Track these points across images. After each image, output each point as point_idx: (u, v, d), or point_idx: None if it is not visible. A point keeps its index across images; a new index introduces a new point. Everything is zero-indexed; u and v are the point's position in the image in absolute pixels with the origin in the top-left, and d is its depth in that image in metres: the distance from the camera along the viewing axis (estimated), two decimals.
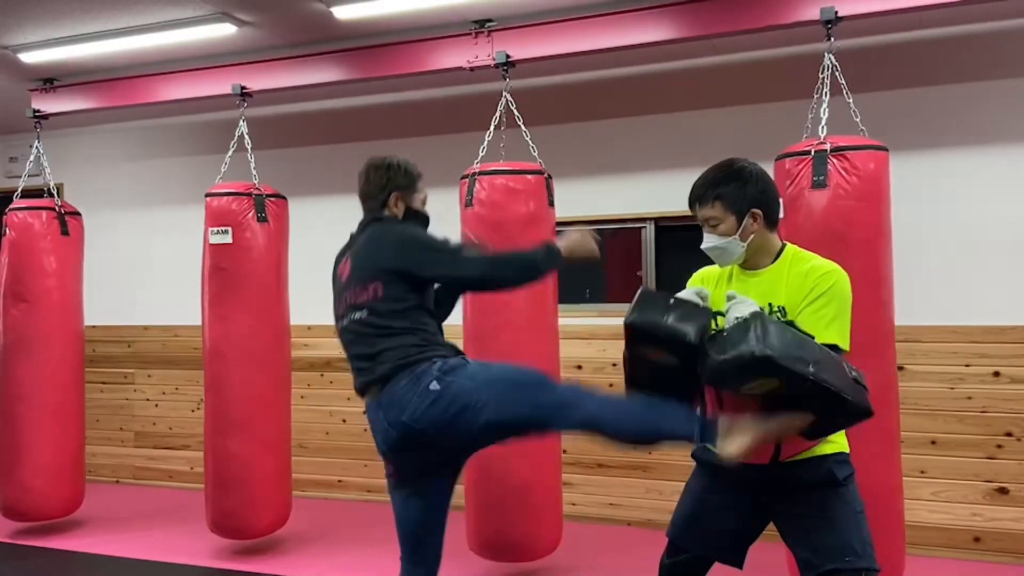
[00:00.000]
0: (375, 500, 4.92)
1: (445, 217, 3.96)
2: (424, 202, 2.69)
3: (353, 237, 2.65)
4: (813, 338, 1.98)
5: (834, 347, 2.03)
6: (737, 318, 1.97)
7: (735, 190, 2.16)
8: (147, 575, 3.93)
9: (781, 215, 2.35)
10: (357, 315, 2.46)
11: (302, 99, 5.12)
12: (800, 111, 3.35)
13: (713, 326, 2.19)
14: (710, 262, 2.34)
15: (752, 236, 2.16)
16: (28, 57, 4.44)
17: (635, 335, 2.07)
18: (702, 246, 2.22)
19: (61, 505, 4.42)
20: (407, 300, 2.43)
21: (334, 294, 2.62)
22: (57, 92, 4.85)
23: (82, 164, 5.93)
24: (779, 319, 2.11)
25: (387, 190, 2.60)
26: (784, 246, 2.22)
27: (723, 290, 2.24)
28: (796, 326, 2.03)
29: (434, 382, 2.33)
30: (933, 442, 3.92)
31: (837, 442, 2.13)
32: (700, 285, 2.29)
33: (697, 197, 2.21)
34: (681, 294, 2.16)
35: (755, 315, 1.94)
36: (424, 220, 2.66)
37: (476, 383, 2.36)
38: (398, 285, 2.42)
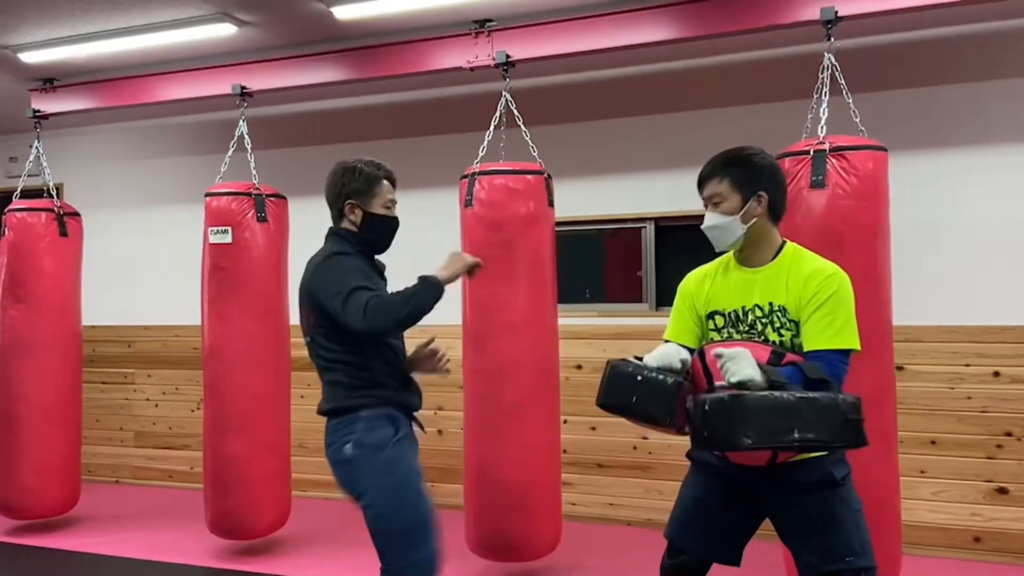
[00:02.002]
0: None
1: (445, 217, 3.97)
2: (388, 205, 2.52)
3: None
4: (806, 372, 2.00)
5: (847, 352, 2.06)
6: (730, 382, 1.92)
7: (745, 170, 2.16)
8: (146, 575, 3.94)
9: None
10: (307, 340, 2.49)
11: (302, 99, 5.12)
12: (800, 111, 3.35)
13: (712, 325, 2.21)
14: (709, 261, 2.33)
15: (754, 221, 2.15)
16: (28, 57, 4.44)
17: (611, 412, 2.16)
18: (702, 226, 2.20)
19: (57, 503, 4.44)
20: (336, 330, 2.35)
21: None
22: (57, 92, 4.85)
23: (82, 164, 5.93)
24: (779, 319, 2.11)
25: (342, 198, 2.49)
26: (784, 243, 2.21)
27: (718, 284, 2.23)
28: (779, 356, 2.05)
29: (349, 446, 2.35)
30: (933, 442, 3.92)
31: None
32: (695, 289, 2.28)
33: (706, 175, 2.20)
34: (650, 358, 2.11)
35: (731, 398, 1.88)
36: (384, 226, 2.53)
37: (375, 483, 2.32)
38: (322, 314, 2.38)
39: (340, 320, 2.30)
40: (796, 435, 1.85)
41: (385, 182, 2.52)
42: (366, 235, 2.50)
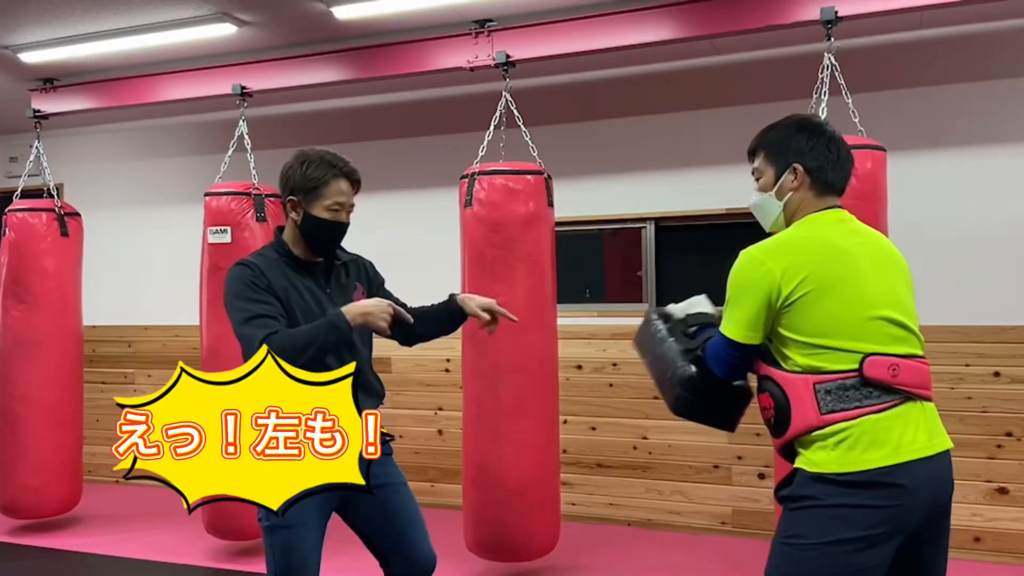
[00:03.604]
0: None
1: (445, 217, 3.97)
2: (335, 208, 2.21)
3: None
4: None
5: (724, 338, 1.82)
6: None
7: (779, 140, 1.91)
8: (146, 575, 3.94)
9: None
10: None
11: (302, 99, 5.12)
12: (800, 111, 3.32)
13: None
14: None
15: (790, 195, 1.89)
16: (28, 57, 4.44)
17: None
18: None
19: (58, 503, 4.43)
20: None
21: None
22: (57, 92, 4.85)
23: (82, 164, 5.94)
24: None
25: (285, 192, 2.25)
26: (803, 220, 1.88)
27: None
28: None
29: None
30: None
31: (809, 457, 1.73)
32: None
33: (749, 149, 2.00)
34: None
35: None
36: (322, 232, 2.23)
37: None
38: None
39: (240, 341, 2.17)
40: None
41: (339, 182, 2.21)
42: (306, 240, 2.24)
